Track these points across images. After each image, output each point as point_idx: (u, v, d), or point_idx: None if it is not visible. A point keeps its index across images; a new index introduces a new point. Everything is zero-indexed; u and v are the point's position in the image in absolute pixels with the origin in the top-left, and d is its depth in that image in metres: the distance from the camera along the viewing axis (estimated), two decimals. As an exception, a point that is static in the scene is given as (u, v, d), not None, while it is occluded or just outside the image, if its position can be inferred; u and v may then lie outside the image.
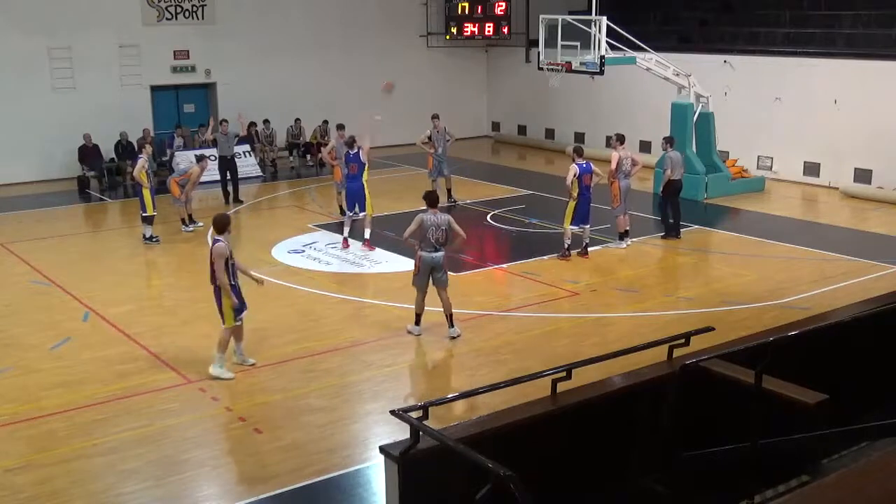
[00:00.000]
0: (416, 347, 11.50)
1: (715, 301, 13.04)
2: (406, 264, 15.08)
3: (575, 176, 14.85)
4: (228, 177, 20.05)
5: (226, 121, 20.63)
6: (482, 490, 4.11)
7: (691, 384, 5.82)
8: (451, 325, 11.68)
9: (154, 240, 16.55)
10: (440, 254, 11.42)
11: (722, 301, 13.03)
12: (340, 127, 17.83)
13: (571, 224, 15.13)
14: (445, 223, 11.37)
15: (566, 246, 15.19)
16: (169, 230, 17.44)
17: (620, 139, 16.08)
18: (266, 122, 24.19)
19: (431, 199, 11.63)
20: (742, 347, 6.07)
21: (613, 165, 15.76)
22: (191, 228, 17.48)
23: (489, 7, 26.81)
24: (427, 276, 11.47)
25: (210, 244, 10.55)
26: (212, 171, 22.01)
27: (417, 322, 11.72)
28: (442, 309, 11.62)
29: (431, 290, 11.56)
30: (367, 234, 15.85)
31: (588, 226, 15.28)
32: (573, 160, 15.14)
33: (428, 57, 27.95)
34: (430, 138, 19.35)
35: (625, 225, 16.11)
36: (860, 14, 21.92)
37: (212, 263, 10.26)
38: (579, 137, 26.08)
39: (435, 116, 19.50)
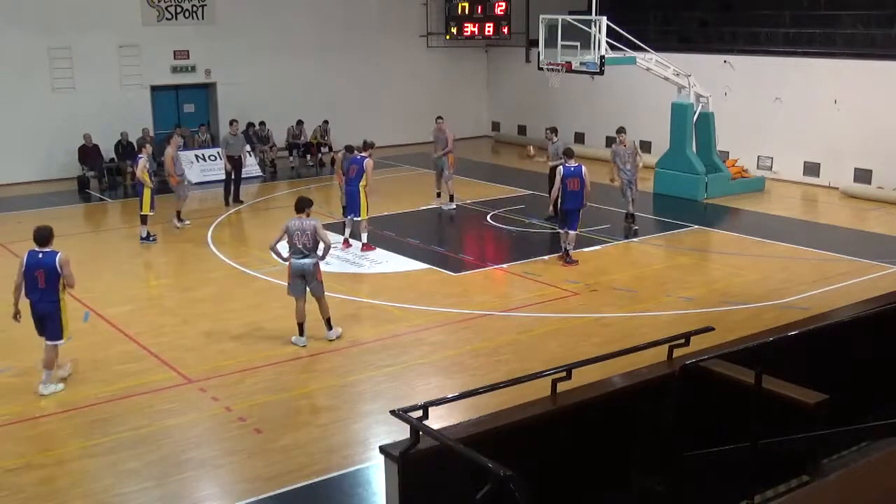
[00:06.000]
0: (416, 347, 11.49)
1: (715, 301, 13.04)
2: (407, 264, 15.14)
3: (560, 179, 14.83)
4: (233, 176, 20.03)
5: (236, 121, 20.64)
6: (482, 490, 4.11)
7: (691, 384, 5.82)
8: (329, 328, 11.57)
9: (151, 239, 16.56)
10: (308, 260, 11.25)
11: (722, 301, 13.03)
12: (349, 149, 17.75)
13: (558, 227, 15.23)
14: (311, 228, 11.23)
15: (564, 249, 15.15)
16: (168, 230, 17.46)
17: (439, 117, 19.45)
18: (262, 123, 24.20)
19: (298, 205, 11.50)
20: (742, 347, 6.06)
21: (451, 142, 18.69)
22: (178, 225, 17.58)
23: (489, 7, 26.79)
24: (299, 283, 11.32)
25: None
26: (214, 171, 22.11)
27: (301, 332, 11.48)
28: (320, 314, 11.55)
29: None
30: (363, 239, 15.85)
31: (573, 231, 14.95)
32: (564, 162, 15.17)
33: (428, 57, 27.95)
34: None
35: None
36: (860, 14, 21.91)
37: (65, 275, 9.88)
38: (579, 137, 26.12)
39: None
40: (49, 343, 10.02)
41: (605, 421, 5.90)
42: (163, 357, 11.13)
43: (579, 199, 14.79)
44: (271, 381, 10.46)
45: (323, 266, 11.34)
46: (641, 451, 6.03)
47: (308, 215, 11.41)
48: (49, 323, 9.97)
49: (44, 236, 10.04)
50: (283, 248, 11.49)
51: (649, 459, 6.00)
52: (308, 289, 11.37)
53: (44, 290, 9.88)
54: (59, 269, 9.86)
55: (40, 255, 9.93)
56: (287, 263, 11.44)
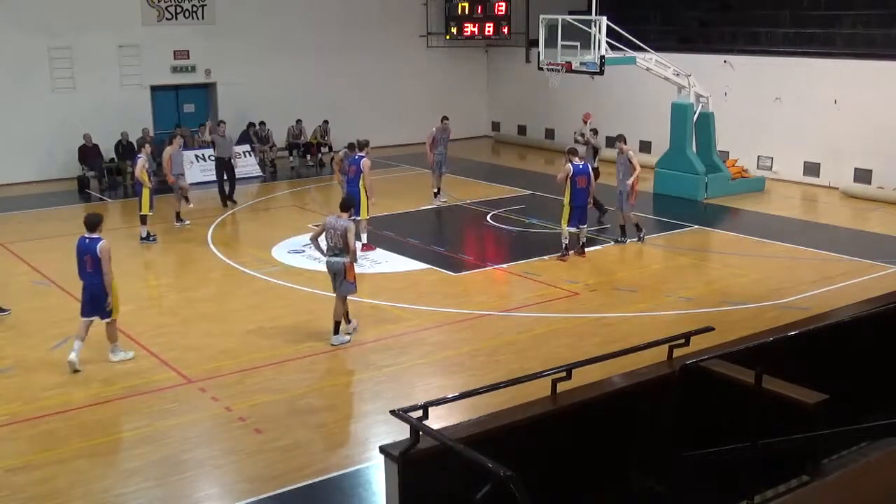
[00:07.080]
0: (416, 347, 11.49)
1: (715, 301, 13.04)
2: (407, 264, 15.14)
3: (568, 176, 14.93)
4: (225, 178, 19.97)
5: (223, 122, 20.59)
6: (482, 490, 4.11)
7: (691, 384, 5.82)
8: (335, 333, 11.46)
9: (151, 239, 16.57)
10: (337, 259, 11.23)
11: (722, 301, 13.03)
12: (351, 147, 17.72)
13: (568, 225, 15.17)
14: (342, 229, 11.19)
15: (564, 246, 15.20)
16: (168, 230, 17.46)
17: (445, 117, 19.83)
18: (262, 123, 24.19)
19: (343, 204, 11.61)
20: (742, 347, 6.07)
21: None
22: (177, 225, 17.59)
23: (489, 7, 26.79)
24: (332, 280, 11.35)
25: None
26: (210, 172, 22.07)
27: (336, 331, 11.46)
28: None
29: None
30: (363, 239, 15.86)
31: (584, 226, 15.30)
32: (569, 160, 15.17)
33: (428, 57, 27.94)
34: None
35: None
36: (860, 14, 21.92)
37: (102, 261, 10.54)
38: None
39: None
40: (105, 321, 10.77)
41: (605, 421, 5.90)
42: (163, 357, 11.13)
43: (586, 196, 15.09)
44: (271, 381, 10.45)
45: (323, 266, 11.33)
46: (641, 451, 6.04)
47: (350, 216, 11.51)
48: (100, 303, 10.66)
49: (93, 223, 10.76)
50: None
51: (649, 459, 6.00)
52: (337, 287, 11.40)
53: (91, 273, 10.63)
54: (99, 255, 10.50)
55: (87, 241, 10.68)
56: (325, 258, 11.51)
